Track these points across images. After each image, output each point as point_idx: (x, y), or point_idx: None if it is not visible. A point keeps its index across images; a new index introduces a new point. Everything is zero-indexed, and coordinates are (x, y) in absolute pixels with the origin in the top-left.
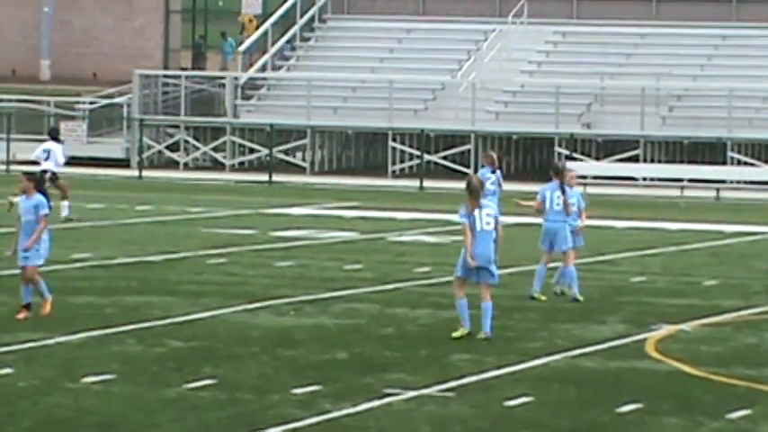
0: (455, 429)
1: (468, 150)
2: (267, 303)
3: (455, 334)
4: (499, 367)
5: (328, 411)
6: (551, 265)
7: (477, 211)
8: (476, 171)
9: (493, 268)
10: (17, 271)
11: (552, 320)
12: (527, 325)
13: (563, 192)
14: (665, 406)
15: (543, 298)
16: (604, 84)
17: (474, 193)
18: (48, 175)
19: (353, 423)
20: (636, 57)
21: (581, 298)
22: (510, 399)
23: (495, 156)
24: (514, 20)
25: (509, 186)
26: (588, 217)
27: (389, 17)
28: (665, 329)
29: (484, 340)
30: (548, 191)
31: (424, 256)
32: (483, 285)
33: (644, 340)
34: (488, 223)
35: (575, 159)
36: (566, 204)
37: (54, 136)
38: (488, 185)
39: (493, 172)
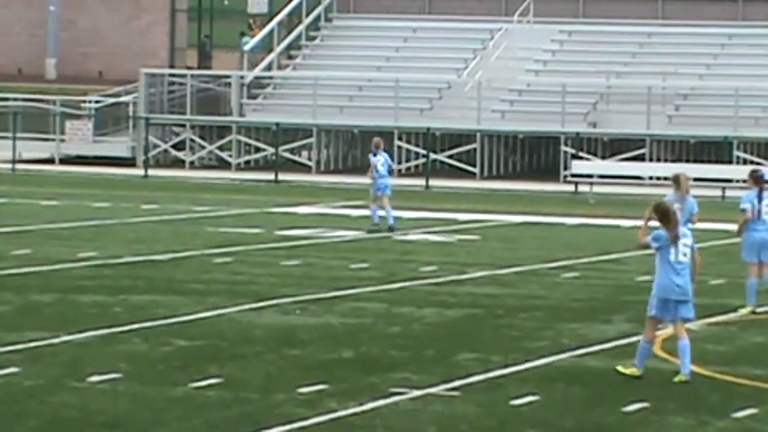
0: (461, 428)
1: (474, 149)
2: (273, 302)
3: (625, 371)
4: (505, 366)
5: (334, 410)
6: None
7: (673, 241)
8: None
9: (691, 302)
10: (22, 270)
11: (558, 320)
12: (533, 324)
13: (760, 200)
14: (671, 405)
15: (745, 311)
16: (610, 83)
17: (672, 221)
18: None
19: (359, 422)
20: (642, 56)
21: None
22: (516, 398)
23: (380, 140)
24: (520, 19)
25: (516, 185)
26: (599, 216)
27: (395, 16)
28: (672, 329)
29: (684, 383)
30: (755, 199)
31: (430, 254)
32: (679, 322)
33: None
34: (685, 254)
35: (580, 158)
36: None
37: None
38: (379, 167)
39: (374, 155)
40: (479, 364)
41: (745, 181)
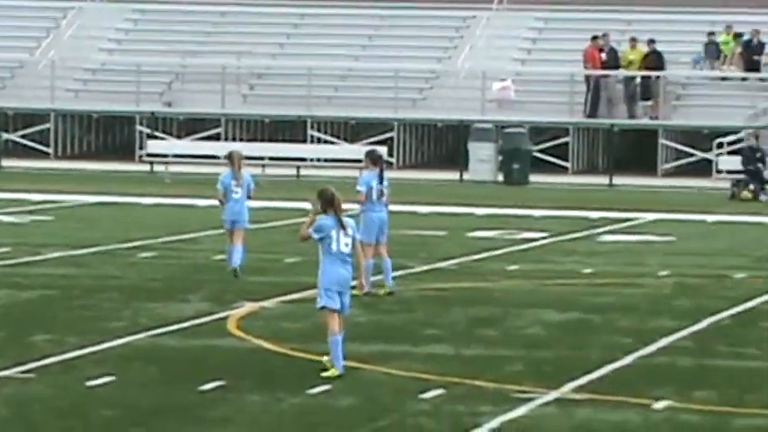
0: (34, 410)
1: (48, 129)
2: None
3: (327, 374)
4: (81, 347)
5: None
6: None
7: (335, 231)
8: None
9: (349, 292)
10: None
11: (134, 299)
12: (109, 304)
13: (381, 180)
14: (247, 383)
15: (382, 292)
16: (185, 62)
17: (339, 207)
18: None
19: None
20: (216, 35)
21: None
22: (92, 378)
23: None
24: None
25: (91, 165)
26: (175, 196)
27: None
28: (247, 307)
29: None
30: (373, 180)
31: (2, 236)
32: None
33: (226, 318)
34: (347, 244)
35: (156, 138)
36: (382, 193)
37: None
38: None
39: None
40: (54, 346)
41: (319, 159)
